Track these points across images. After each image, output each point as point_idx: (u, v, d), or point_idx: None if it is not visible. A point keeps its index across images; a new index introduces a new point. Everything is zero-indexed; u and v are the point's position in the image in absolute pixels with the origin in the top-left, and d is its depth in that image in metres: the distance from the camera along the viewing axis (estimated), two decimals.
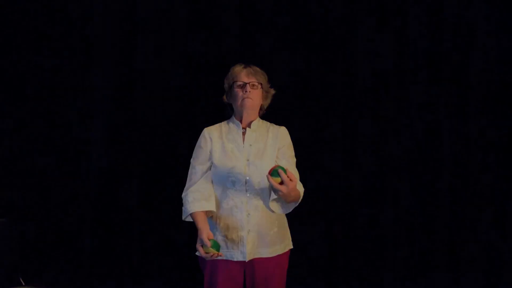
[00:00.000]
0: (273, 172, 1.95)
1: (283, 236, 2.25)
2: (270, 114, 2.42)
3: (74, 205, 3.07)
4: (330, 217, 2.96)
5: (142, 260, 3.00)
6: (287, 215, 2.30)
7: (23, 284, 2.82)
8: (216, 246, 2.03)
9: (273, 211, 2.14)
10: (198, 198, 2.15)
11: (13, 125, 3.06)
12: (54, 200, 3.06)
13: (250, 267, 2.18)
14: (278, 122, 2.39)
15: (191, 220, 2.18)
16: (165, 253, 2.99)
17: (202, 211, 2.13)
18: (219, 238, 2.16)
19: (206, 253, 2.02)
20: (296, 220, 2.39)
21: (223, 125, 2.31)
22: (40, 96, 3.08)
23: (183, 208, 2.19)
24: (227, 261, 2.16)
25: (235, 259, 2.14)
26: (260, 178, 2.15)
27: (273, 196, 2.07)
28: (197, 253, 2.24)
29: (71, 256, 3.05)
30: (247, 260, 2.14)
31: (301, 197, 2.15)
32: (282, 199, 2.05)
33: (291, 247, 2.29)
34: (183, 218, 2.20)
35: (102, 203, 3.02)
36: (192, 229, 2.43)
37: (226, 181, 2.15)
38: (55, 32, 3.06)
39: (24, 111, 3.07)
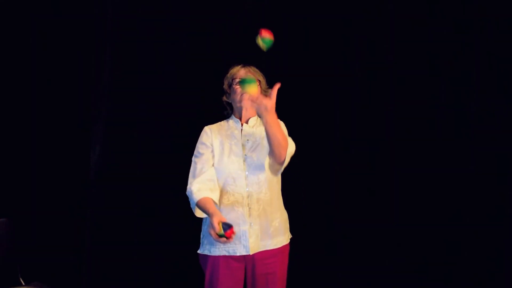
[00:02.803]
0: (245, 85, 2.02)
1: (285, 227, 2.30)
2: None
3: (74, 204, 3.07)
4: (329, 215, 2.96)
5: (143, 258, 3.00)
6: (287, 211, 2.32)
7: (23, 284, 2.83)
8: (227, 226, 1.95)
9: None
10: (203, 188, 2.15)
11: (13, 125, 3.07)
12: (54, 200, 3.06)
13: (251, 265, 2.19)
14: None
15: (202, 214, 2.16)
16: (166, 250, 2.99)
17: (210, 198, 2.11)
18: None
19: (220, 236, 1.95)
20: (296, 218, 2.39)
21: (223, 123, 2.36)
22: (40, 95, 3.08)
23: (190, 202, 2.18)
24: (227, 258, 2.18)
25: (238, 254, 2.17)
26: (258, 171, 2.20)
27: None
28: (198, 251, 2.26)
29: (71, 256, 3.04)
30: (251, 253, 2.16)
31: (292, 147, 2.18)
32: (272, 146, 2.06)
33: (291, 236, 2.32)
34: (194, 212, 2.18)
35: (102, 202, 3.02)
36: (193, 226, 2.44)
37: (227, 177, 2.18)
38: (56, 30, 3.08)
39: (25, 111, 3.07)
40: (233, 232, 1.96)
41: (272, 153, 2.10)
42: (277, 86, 1.99)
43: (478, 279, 2.83)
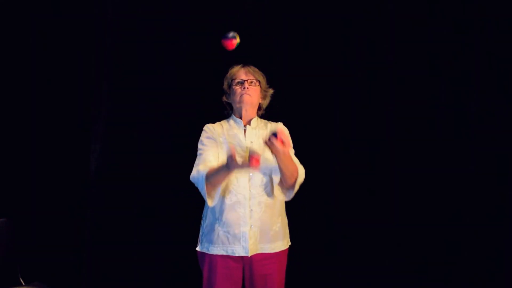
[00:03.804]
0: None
1: (284, 232, 2.29)
2: (270, 113, 2.44)
3: (74, 204, 3.07)
4: (329, 215, 2.96)
5: (143, 258, 3.00)
6: (287, 213, 2.32)
7: (23, 284, 2.83)
8: (251, 155, 1.93)
9: (275, 196, 2.18)
10: (209, 166, 2.12)
11: (13, 125, 3.07)
12: (54, 200, 3.06)
13: (249, 265, 2.19)
14: (278, 121, 2.40)
15: (213, 199, 2.11)
16: (166, 250, 2.99)
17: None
18: (221, 233, 2.17)
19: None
20: (296, 218, 2.39)
21: (223, 123, 2.35)
22: (40, 95, 3.08)
23: (199, 183, 2.11)
24: (226, 259, 2.18)
25: (237, 254, 2.16)
26: (263, 174, 2.19)
27: (276, 181, 2.16)
28: (197, 248, 2.26)
29: (71, 256, 3.04)
30: (249, 255, 2.15)
31: (301, 177, 2.17)
32: (283, 177, 2.10)
33: (290, 243, 2.31)
34: (205, 195, 2.10)
35: (102, 202, 3.02)
36: (192, 226, 2.44)
37: (231, 177, 2.16)
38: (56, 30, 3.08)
39: (25, 111, 3.07)
40: (258, 162, 1.93)
41: (282, 178, 2.14)
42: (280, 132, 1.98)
43: (478, 279, 2.82)
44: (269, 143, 1.96)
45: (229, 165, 1.97)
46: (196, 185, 2.15)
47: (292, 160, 2.12)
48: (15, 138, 3.06)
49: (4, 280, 2.80)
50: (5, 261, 2.83)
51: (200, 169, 2.12)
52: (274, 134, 1.95)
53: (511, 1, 2.80)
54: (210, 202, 2.13)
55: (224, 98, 2.37)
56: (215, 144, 2.22)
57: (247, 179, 2.17)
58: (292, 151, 2.29)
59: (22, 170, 3.06)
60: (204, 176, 2.07)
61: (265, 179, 2.19)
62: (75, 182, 3.07)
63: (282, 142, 1.95)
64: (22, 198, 3.04)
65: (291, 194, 2.18)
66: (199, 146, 2.25)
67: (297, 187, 2.16)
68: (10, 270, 2.84)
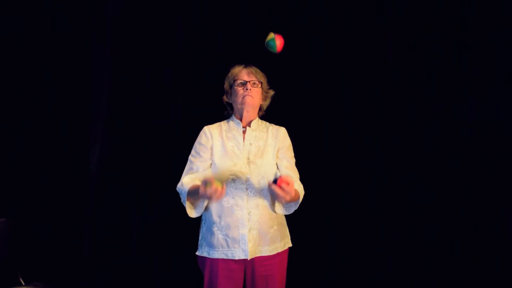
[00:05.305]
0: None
1: (283, 234, 2.27)
2: (269, 114, 2.44)
3: (74, 205, 3.06)
4: (329, 216, 2.96)
5: (143, 258, 3.00)
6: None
7: (23, 284, 2.83)
8: (220, 182, 1.94)
9: (275, 212, 2.17)
10: (195, 180, 2.14)
11: (13, 125, 3.06)
12: (54, 200, 3.05)
13: (250, 267, 2.18)
14: (277, 122, 2.40)
15: (193, 212, 2.15)
16: (165, 253, 2.99)
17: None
18: (220, 237, 2.16)
19: (210, 188, 1.92)
20: (296, 219, 2.39)
21: (223, 124, 2.34)
22: (40, 95, 3.08)
23: (181, 196, 2.15)
24: (227, 261, 2.17)
25: (237, 257, 2.15)
26: (260, 176, 2.18)
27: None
28: (197, 253, 2.25)
29: (71, 256, 3.04)
30: (249, 258, 2.14)
31: (301, 198, 2.17)
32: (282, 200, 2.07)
33: (290, 245, 2.31)
34: (185, 206, 2.14)
35: (102, 202, 3.02)
36: (193, 226, 2.44)
37: (227, 179, 2.15)
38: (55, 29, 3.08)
39: (24, 110, 3.07)
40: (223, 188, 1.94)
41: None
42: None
43: (478, 279, 2.83)
44: (270, 189, 1.99)
45: (200, 193, 1.97)
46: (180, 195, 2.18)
47: (293, 193, 2.04)
48: (15, 138, 3.06)
49: (4, 280, 2.80)
50: (5, 261, 2.82)
51: (184, 182, 2.15)
52: (274, 182, 1.98)
53: (511, 1, 2.80)
54: (191, 213, 2.16)
55: (225, 98, 2.36)
56: (207, 152, 2.22)
57: (245, 181, 2.17)
58: (293, 161, 2.29)
59: (22, 170, 3.06)
60: (186, 192, 2.11)
61: (262, 183, 2.18)
62: (75, 182, 3.07)
63: (282, 189, 1.96)
64: (22, 198, 3.04)
65: (291, 210, 2.20)
66: (192, 151, 2.26)
67: (297, 206, 2.18)
68: (10, 270, 2.84)
